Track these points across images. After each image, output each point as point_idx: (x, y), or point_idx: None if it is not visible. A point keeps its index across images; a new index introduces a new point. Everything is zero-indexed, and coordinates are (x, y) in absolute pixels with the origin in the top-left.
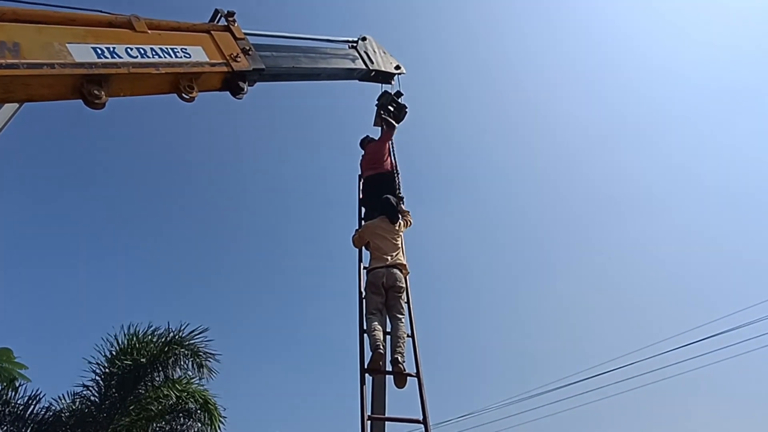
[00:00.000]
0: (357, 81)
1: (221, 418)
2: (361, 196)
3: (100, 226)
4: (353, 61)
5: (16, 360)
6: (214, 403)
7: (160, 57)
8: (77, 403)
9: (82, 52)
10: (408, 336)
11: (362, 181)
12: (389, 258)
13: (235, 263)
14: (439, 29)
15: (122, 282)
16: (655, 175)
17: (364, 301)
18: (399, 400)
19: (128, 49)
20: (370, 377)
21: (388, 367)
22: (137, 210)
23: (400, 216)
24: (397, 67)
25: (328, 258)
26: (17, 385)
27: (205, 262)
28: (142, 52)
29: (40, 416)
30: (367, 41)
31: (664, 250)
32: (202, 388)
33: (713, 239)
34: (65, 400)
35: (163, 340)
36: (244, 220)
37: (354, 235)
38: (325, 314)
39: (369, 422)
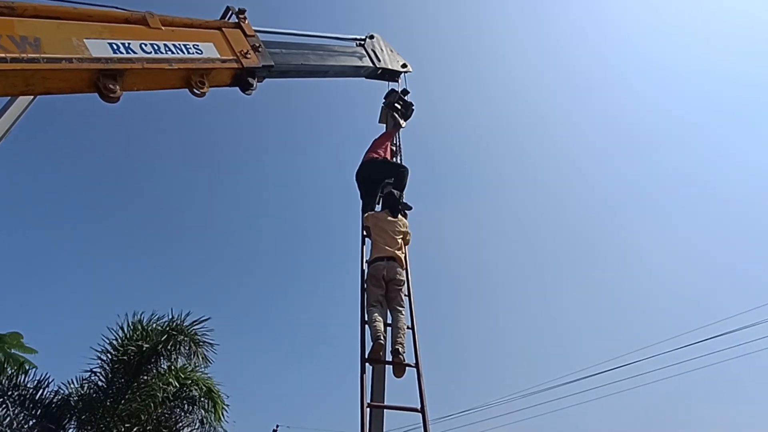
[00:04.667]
0: (364, 78)
1: (224, 406)
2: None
3: (108, 218)
4: (361, 59)
5: (25, 345)
6: (218, 391)
7: (173, 53)
8: (85, 387)
9: (98, 48)
10: (408, 328)
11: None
12: (388, 251)
13: (238, 261)
14: (434, 28)
15: (132, 272)
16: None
17: (365, 293)
18: (398, 391)
19: (143, 45)
20: (371, 367)
21: (388, 357)
22: (146, 205)
23: (401, 210)
24: (404, 66)
25: (330, 252)
26: (27, 369)
27: (211, 258)
28: (156, 47)
29: (49, 400)
30: (374, 39)
31: (662, 252)
32: (206, 376)
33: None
34: (74, 385)
35: (166, 328)
36: (244, 219)
37: (366, 215)
38: (327, 306)
39: (368, 409)
